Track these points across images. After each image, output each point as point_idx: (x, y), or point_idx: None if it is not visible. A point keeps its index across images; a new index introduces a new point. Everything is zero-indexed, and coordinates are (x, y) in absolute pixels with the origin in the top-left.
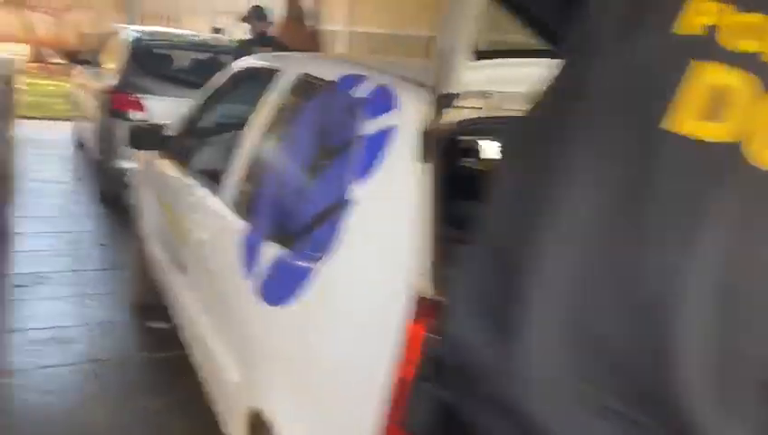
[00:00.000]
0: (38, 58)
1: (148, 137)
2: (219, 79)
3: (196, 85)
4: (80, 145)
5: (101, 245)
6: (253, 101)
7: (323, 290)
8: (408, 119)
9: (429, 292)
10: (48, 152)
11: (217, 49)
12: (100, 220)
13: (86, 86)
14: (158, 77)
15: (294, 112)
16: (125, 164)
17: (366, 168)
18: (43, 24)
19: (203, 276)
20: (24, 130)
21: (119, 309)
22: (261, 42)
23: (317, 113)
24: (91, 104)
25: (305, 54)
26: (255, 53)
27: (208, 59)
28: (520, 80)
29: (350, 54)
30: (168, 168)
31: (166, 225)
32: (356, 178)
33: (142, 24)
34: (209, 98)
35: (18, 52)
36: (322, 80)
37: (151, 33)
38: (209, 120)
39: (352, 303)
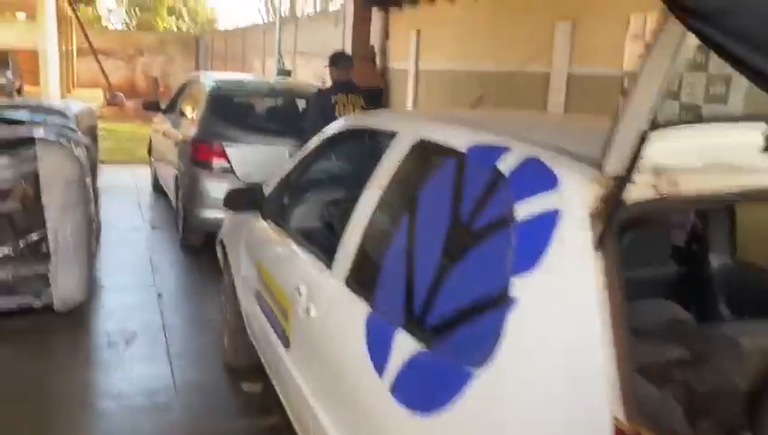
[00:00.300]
0: (112, 102)
1: (245, 199)
2: (321, 138)
3: (276, 132)
4: (157, 190)
5: (186, 297)
6: (364, 166)
7: (487, 402)
8: (574, 200)
9: (623, 417)
10: (126, 199)
11: (296, 94)
12: (181, 271)
13: (166, 133)
14: (239, 125)
15: (418, 183)
16: (207, 213)
17: (528, 259)
18: (116, 70)
19: (313, 355)
20: (102, 176)
21: (210, 369)
22: (337, 87)
23: (449, 187)
24: (171, 152)
25: (420, 114)
26: (334, 99)
27: (287, 105)
28: (698, 153)
29: (462, 111)
30: (265, 229)
31: (263, 290)
32: (516, 269)
33: (212, 65)
34: (310, 158)
35: (94, 96)
36: (450, 149)
37: (228, 81)
38: (312, 182)
39: (525, 421)
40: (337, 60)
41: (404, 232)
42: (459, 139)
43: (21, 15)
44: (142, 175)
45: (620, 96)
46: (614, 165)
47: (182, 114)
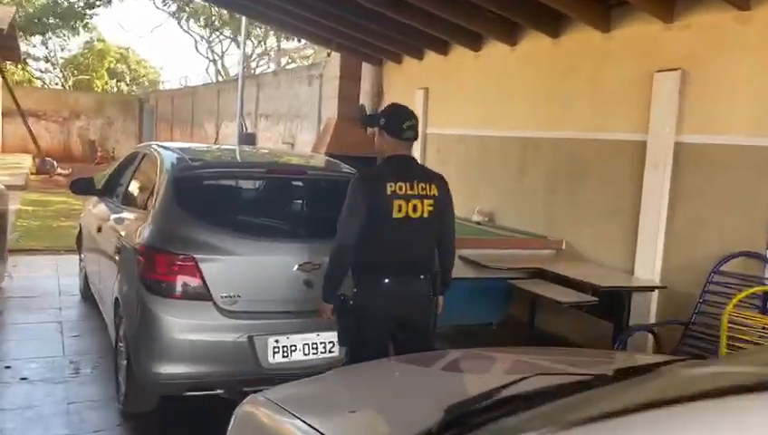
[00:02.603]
0: (42, 169)
1: None
2: None
3: (278, 234)
4: (88, 298)
5: None
6: None
7: None
8: None
9: None
10: (44, 314)
11: (311, 175)
12: None
13: (103, 228)
14: (219, 224)
15: None
16: (166, 368)
17: None
18: (48, 134)
19: None
20: (17, 275)
21: None
22: (394, 169)
23: None
24: (109, 257)
25: None
26: (391, 189)
27: (295, 191)
28: None
29: None
30: None
31: None
32: None
33: (156, 129)
34: None
35: (21, 163)
36: None
37: (196, 154)
38: None
39: None
40: (394, 120)
41: None
42: None
43: None
44: (70, 270)
45: None
46: None
47: (127, 202)
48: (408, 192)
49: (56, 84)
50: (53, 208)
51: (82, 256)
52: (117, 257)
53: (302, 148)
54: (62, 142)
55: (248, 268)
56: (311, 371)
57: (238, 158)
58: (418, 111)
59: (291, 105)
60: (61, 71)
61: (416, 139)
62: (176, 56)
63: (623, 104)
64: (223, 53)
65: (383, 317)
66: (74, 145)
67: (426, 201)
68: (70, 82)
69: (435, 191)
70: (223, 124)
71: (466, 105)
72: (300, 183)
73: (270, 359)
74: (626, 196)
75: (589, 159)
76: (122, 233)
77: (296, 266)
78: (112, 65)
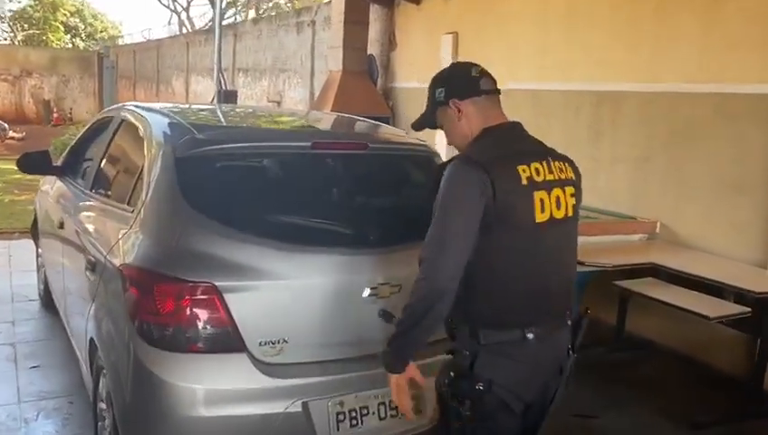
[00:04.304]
0: None
1: None
2: None
3: (341, 240)
4: (49, 306)
5: None
6: None
7: None
8: None
9: None
10: None
11: (377, 149)
12: None
13: (66, 224)
14: (249, 229)
15: None
16: None
17: None
18: None
19: None
20: None
21: None
22: (517, 144)
23: None
24: (78, 272)
25: None
26: (527, 173)
27: (355, 174)
28: None
29: None
30: None
31: None
32: None
33: (117, 88)
34: None
35: None
36: None
37: (197, 119)
38: None
39: None
40: (455, 77)
41: None
42: None
43: None
44: (27, 262)
45: None
46: None
47: (100, 188)
48: (548, 177)
49: (5, 40)
50: (5, 179)
51: (40, 250)
52: (90, 277)
53: (292, 106)
54: (14, 103)
55: (297, 297)
56: None
57: (263, 126)
58: (446, 62)
59: (276, 57)
60: (9, 25)
61: (498, 91)
62: (136, 9)
63: (754, 46)
64: (188, 2)
65: (520, 399)
66: (27, 106)
67: (567, 189)
68: (19, 37)
69: (571, 173)
70: (194, 80)
71: (513, 52)
72: (360, 162)
73: (333, 432)
74: (756, 167)
75: (699, 118)
76: (97, 239)
77: (367, 291)
78: (66, 19)
